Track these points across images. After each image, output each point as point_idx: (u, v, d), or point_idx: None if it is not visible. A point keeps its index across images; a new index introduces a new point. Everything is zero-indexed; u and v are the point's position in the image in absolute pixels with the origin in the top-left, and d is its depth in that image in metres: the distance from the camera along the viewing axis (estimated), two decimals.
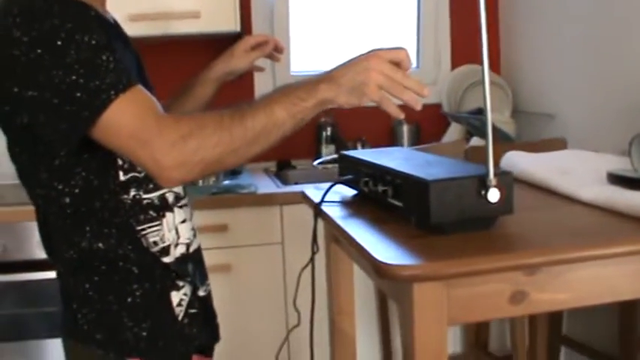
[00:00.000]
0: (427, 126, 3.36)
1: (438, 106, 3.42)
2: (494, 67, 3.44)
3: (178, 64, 3.16)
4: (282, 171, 3.17)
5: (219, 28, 2.90)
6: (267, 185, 2.83)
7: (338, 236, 1.48)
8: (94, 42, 1.22)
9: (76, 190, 1.32)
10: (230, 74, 1.80)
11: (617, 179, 1.52)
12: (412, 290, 1.15)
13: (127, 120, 1.21)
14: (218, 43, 3.03)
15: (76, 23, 1.22)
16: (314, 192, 1.75)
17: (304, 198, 1.77)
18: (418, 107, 1.31)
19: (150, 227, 1.38)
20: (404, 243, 1.26)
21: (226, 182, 2.77)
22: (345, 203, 1.62)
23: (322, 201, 1.60)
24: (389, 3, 3.46)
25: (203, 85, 1.79)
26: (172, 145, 1.20)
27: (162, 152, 1.20)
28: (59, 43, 1.20)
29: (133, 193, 1.36)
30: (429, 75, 3.46)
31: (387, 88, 1.28)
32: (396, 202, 1.40)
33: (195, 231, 1.53)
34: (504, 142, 2.92)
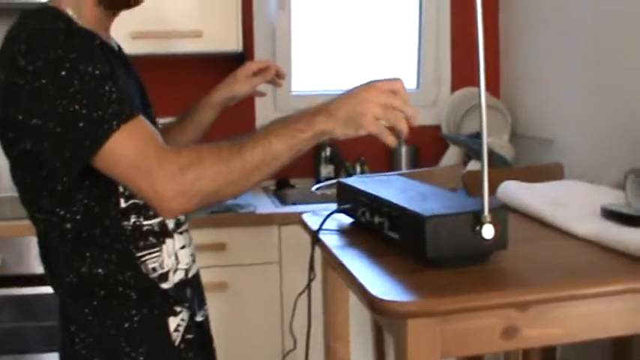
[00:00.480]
0: (426, 147, 3.38)
1: (437, 128, 3.45)
2: (494, 90, 3.46)
3: (180, 81, 3.20)
4: (281, 190, 3.19)
5: (221, 48, 2.93)
6: (265, 205, 2.85)
7: (335, 267, 1.50)
8: (97, 72, 1.25)
9: (78, 217, 1.34)
10: (232, 99, 1.83)
11: (611, 214, 1.55)
12: (406, 325, 1.18)
13: (128, 150, 1.24)
14: (220, 62, 3.07)
15: (80, 54, 1.25)
16: (312, 218, 1.78)
17: (302, 224, 1.79)
18: (405, 134, 1.33)
19: (149, 254, 1.41)
20: (400, 277, 1.28)
21: (227, 202, 2.79)
22: (342, 232, 1.65)
23: (320, 229, 1.62)
24: (390, 23, 3.49)
25: (205, 109, 1.81)
26: (172, 176, 1.23)
27: (161, 183, 1.23)
28: (63, 73, 1.22)
29: (133, 219, 1.38)
30: (428, 96, 3.49)
31: (384, 118, 1.30)
32: (393, 235, 1.42)
33: (194, 256, 1.55)
34: (502, 166, 2.94)
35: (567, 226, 1.56)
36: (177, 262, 1.46)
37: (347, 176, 2.76)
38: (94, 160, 1.25)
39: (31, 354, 2.61)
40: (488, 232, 1.29)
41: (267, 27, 3.32)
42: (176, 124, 1.83)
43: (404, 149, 3.32)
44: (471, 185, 2.63)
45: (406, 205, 1.37)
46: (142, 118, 1.28)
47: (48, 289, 2.22)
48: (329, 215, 1.65)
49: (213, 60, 3.11)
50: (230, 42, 2.90)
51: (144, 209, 1.39)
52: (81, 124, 1.22)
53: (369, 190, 1.56)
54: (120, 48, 1.56)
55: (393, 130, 1.32)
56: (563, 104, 3.00)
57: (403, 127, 1.31)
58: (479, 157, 2.98)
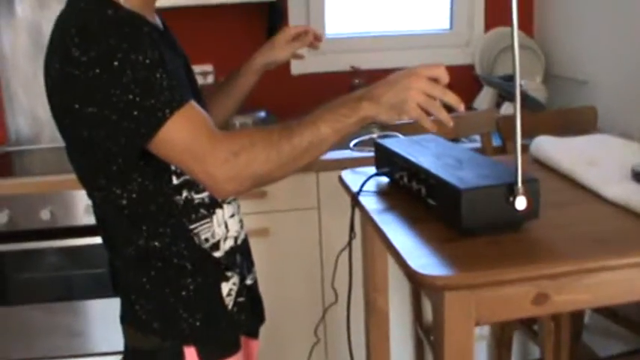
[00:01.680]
0: (460, 87, 3.35)
1: (470, 68, 3.47)
2: (528, 29, 3.46)
3: (214, 28, 3.26)
4: None
5: None
6: None
7: (374, 230, 1.58)
8: (147, 61, 1.31)
9: (133, 195, 1.43)
10: (271, 64, 1.88)
11: None
12: (443, 296, 1.26)
13: (182, 136, 1.31)
14: (254, 9, 3.12)
15: (131, 43, 1.31)
16: (350, 177, 1.86)
17: (341, 182, 1.87)
18: (450, 124, 1.39)
19: (201, 225, 1.50)
20: (436, 247, 1.37)
21: None
22: (380, 193, 1.72)
23: (360, 191, 1.70)
24: None
25: (246, 75, 1.87)
26: (225, 160, 1.31)
27: (215, 167, 1.31)
28: (116, 63, 1.29)
29: (185, 194, 1.47)
30: (461, 36, 3.50)
31: (425, 106, 1.36)
32: (430, 201, 1.50)
33: (242, 222, 1.64)
34: (535, 109, 2.97)
35: (597, 189, 1.62)
36: (227, 231, 1.55)
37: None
38: (149, 146, 1.33)
39: (80, 300, 2.76)
40: (520, 203, 1.36)
41: None
42: (220, 89, 1.90)
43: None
44: (504, 130, 2.69)
45: (443, 176, 1.45)
46: (193, 103, 1.35)
47: (94, 240, 2.34)
48: (368, 179, 1.72)
49: (248, 7, 3.15)
50: None
51: (195, 184, 1.46)
52: (135, 113, 1.29)
53: (406, 155, 1.63)
54: (165, 26, 1.62)
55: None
56: (598, 45, 3.00)
57: (444, 117, 1.37)
58: (512, 100, 3.04)
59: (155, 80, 1.31)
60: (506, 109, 3.08)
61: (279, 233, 2.75)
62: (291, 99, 3.22)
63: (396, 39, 3.46)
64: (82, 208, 2.63)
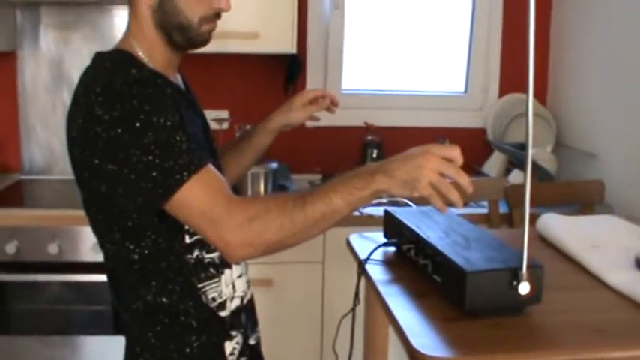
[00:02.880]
0: (471, 150, 3.43)
1: (482, 131, 3.53)
2: (541, 97, 3.51)
3: (232, 76, 3.32)
4: None
5: (276, 49, 3.04)
6: None
7: (379, 300, 1.60)
8: (169, 123, 1.35)
9: (146, 251, 1.46)
10: (287, 126, 1.92)
11: None
12: None
13: (198, 200, 1.34)
14: (272, 59, 3.17)
15: (153, 105, 1.35)
16: (358, 241, 1.89)
17: (349, 247, 1.90)
18: (460, 205, 1.41)
19: (209, 284, 1.53)
20: (439, 327, 1.38)
21: None
22: (387, 263, 1.75)
23: (367, 259, 1.73)
24: (442, 26, 3.54)
25: (262, 134, 1.91)
26: (239, 226, 1.34)
27: (230, 232, 1.34)
28: (138, 124, 1.33)
29: (196, 253, 1.50)
30: (476, 100, 3.56)
31: (437, 185, 1.38)
32: (436, 277, 1.52)
33: (249, 282, 1.67)
34: (544, 179, 3.01)
35: (601, 274, 1.64)
36: (234, 291, 1.58)
37: None
38: (166, 206, 1.36)
39: (80, 335, 2.78)
40: (524, 288, 1.38)
41: (320, 26, 3.40)
42: (235, 147, 1.93)
43: None
44: (512, 198, 2.72)
45: (450, 254, 1.47)
46: (210, 167, 1.38)
47: (99, 277, 2.36)
48: (376, 248, 1.75)
49: (267, 57, 3.21)
50: (285, 44, 2.99)
51: (206, 244, 1.49)
52: (154, 174, 1.33)
53: (415, 228, 1.66)
54: (186, 84, 1.67)
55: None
56: (608, 119, 3.04)
57: (454, 198, 1.38)
58: (522, 168, 3.07)
59: (175, 143, 1.34)
60: (515, 176, 3.11)
61: (282, 284, 2.78)
62: (305, 151, 3.27)
63: (410, 98, 3.52)
64: (89, 244, 2.67)
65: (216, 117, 3.17)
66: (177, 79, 1.62)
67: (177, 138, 1.35)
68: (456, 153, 1.40)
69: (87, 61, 3.16)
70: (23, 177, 3.31)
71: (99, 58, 1.49)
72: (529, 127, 1.36)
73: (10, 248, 2.66)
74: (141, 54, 1.50)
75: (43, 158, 3.34)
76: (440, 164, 1.37)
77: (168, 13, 1.48)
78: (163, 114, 1.35)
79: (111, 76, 1.38)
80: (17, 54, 3.26)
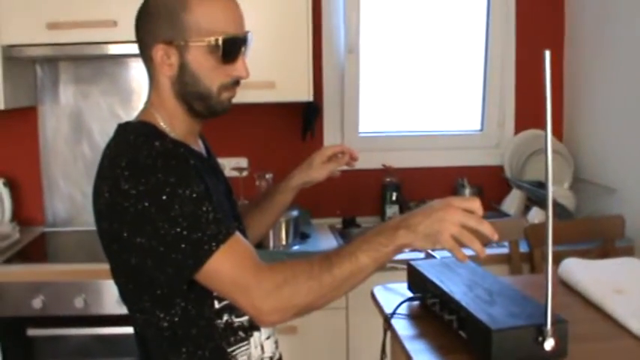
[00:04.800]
0: (489, 188, 3.47)
1: (500, 169, 3.54)
2: (557, 132, 3.52)
3: (248, 124, 3.36)
4: (347, 229, 3.32)
5: (293, 98, 3.07)
6: (331, 245, 2.98)
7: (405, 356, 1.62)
8: (194, 195, 1.38)
9: (175, 318, 1.49)
10: (308, 183, 1.95)
11: None
12: None
13: (228, 269, 1.38)
14: (289, 107, 3.21)
15: (178, 177, 1.38)
16: (383, 294, 1.91)
17: (373, 300, 1.91)
18: (483, 256, 1.43)
19: (239, 348, 1.55)
20: None
21: (295, 247, 2.93)
22: (412, 317, 1.76)
23: (393, 314, 1.75)
24: (456, 65, 3.57)
25: (283, 193, 1.94)
26: (269, 293, 1.37)
27: (260, 299, 1.37)
28: (164, 197, 1.36)
29: (225, 318, 1.53)
30: (492, 138, 3.58)
31: (459, 238, 1.41)
32: (461, 333, 1.54)
33: (277, 343, 1.69)
34: (563, 217, 3.01)
35: (625, 322, 1.65)
36: (263, 352, 1.61)
37: None
38: (196, 277, 1.39)
39: None
40: (549, 344, 1.40)
41: (335, 70, 3.44)
42: (257, 207, 1.95)
43: (467, 190, 3.41)
44: (532, 238, 2.73)
45: (474, 311, 1.49)
46: (238, 235, 1.41)
47: (125, 330, 2.38)
48: (401, 303, 1.77)
49: (285, 104, 3.25)
50: (302, 92, 3.02)
51: (235, 308, 1.51)
52: (183, 245, 1.36)
53: (439, 283, 1.68)
54: (208, 150, 1.70)
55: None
56: (626, 153, 3.05)
57: (477, 248, 1.40)
58: (541, 205, 3.09)
59: (202, 214, 1.37)
60: (534, 214, 3.12)
61: (307, 331, 2.78)
62: (324, 195, 3.28)
63: (427, 139, 3.54)
64: (114, 297, 2.68)
65: (235, 165, 3.21)
66: (200, 145, 1.65)
67: (204, 209, 1.38)
68: (476, 205, 1.42)
69: (106, 114, 3.26)
70: (47, 229, 3.35)
71: (122, 130, 1.52)
72: (549, 179, 1.38)
73: (37, 303, 2.68)
74: (162, 124, 1.53)
75: (65, 210, 3.38)
76: (461, 216, 1.40)
77: (188, 84, 1.52)
78: (188, 185, 1.38)
79: (135, 150, 1.41)
80: (38, 108, 3.32)
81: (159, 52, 1.50)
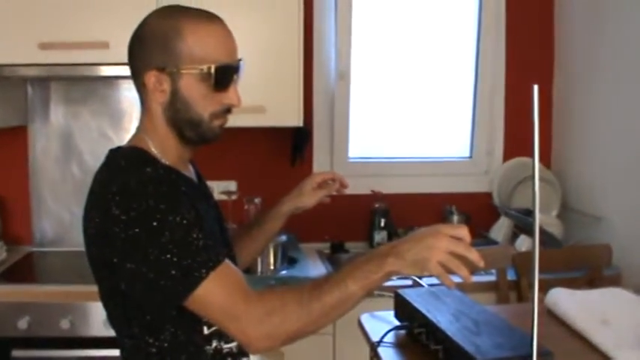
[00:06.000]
0: (477, 215, 3.47)
1: (488, 196, 3.55)
2: (545, 160, 3.54)
3: (237, 148, 3.37)
4: (336, 255, 3.32)
5: (283, 123, 3.08)
6: (319, 271, 2.99)
7: None
8: (185, 221, 1.38)
9: (165, 344, 1.49)
10: (298, 209, 1.95)
11: None
12: None
13: (217, 296, 1.38)
14: (279, 131, 3.22)
15: (168, 203, 1.39)
16: (370, 323, 1.91)
17: (360, 328, 1.92)
18: (469, 281, 1.44)
19: None
20: None
21: (283, 272, 2.93)
22: (398, 346, 1.77)
23: (380, 342, 1.75)
24: (445, 93, 3.59)
25: (274, 219, 1.94)
26: (259, 320, 1.37)
27: (250, 326, 1.37)
28: (155, 223, 1.36)
29: (215, 344, 1.53)
30: (480, 165, 3.60)
31: (446, 264, 1.41)
32: None
33: None
34: (551, 245, 3.03)
35: (611, 354, 1.66)
36: None
37: None
38: (185, 303, 1.39)
39: None
40: None
41: (325, 96, 3.45)
42: (247, 233, 1.95)
43: (456, 217, 3.42)
44: (520, 266, 2.74)
45: (461, 342, 1.49)
46: (228, 263, 1.42)
47: (111, 352, 2.36)
48: (388, 332, 1.77)
49: (273, 129, 3.26)
50: (292, 117, 3.03)
51: (224, 334, 1.51)
52: (172, 272, 1.36)
53: (426, 312, 1.69)
54: (199, 175, 1.71)
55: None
56: (614, 182, 3.07)
57: (464, 275, 1.40)
58: (529, 233, 3.10)
59: (192, 240, 1.38)
60: (522, 242, 3.14)
61: (293, 357, 2.77)
62: (313, 220, 3.26)
63: (416, 165, 3.56)
64: (101, 319, 2.67)
65: (224, 189, 3.21)
66: (190, 170, 1.66)
67: (194, 235, 1.38)
68: (464, 232, 1.44)
69: (96, 135, 3.25)
70: (34, 249, 3.33)
71: (113, 155, 1.53)
72: (536, 217, 1.39)
73: (22, 324, 2.67)
74: (154, 149, 1.54)
75: (53, 230, 3.36)
76: (449, 243, 1.41)
77: (180, 110, 1.52)
78: (179, 212, 1.38)
79: (126, 176, 1.42)
80: (28, 128, 3.31)
81: (151, 78, 1.50)
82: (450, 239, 1.42)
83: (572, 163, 3.43)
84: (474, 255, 1.42)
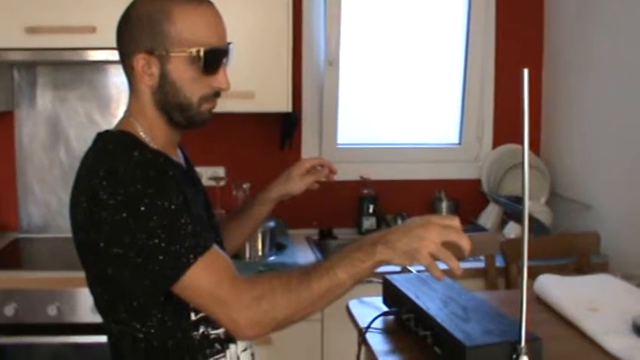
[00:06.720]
0: (467, 202, 3.48)
1: (477, 182, 3.55)
2: (534, 147, 3.54)
3: (227, 133, 3.36)
4: (324, 241, 3.32)
5: (272, 109, 3.08)
6: (307, 257, 3.00)
7: None
8: (173, 206, 1.37)
9: (152, 330, 1.47)
10: (286, 196, 1.94)
11: None
12: None
13: (205, 282, 1.37)
14: (268, 117, 3.20)
15: (156, 188, 1.37)
16: (358, 309, 1.90)
17: (348, 313, 1.91)
18: (459, 273, 1.43)
19: None
20: None
21: (272, 258, 2.93)
22: (387, 332, 1.76)
23: (368, 328, 1.74)
24: (434, 78, 3.58)
25: (261, 204, 1.93)
26: (247, 306, 1.36)
27: (238, 312, 1.36)
28: (142, 208, 1.35)
29: (202, 329, 1.52)
30: (470, 151, 3.59)
31: (436, 255, 1.41)
32: (436, 349, 1.54)
33: (254, 355, 1.68)
34: (540, 232, 3.03)
35: (599, 339, 1.65)
36: None
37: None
38: (173, 288, 1.38)
39: None
40: None
41: (315, 82, 3.44)
42: (234, 219, 1.95)
43: (445, 204, 3.42)
44: (508, 252, 2.74)
45: (449, 328, 1.49)
46: (216, 248, 1.41)
47: (99, 338, 2.36)
48: (376, 317, 1.76)
49: (262, 114, 3.25)
50: (281, 103, 3.02)
51: (212, 320, 1.50)
52: (160, 257, 1.35)
53: (415, 299, 1.68)
54: (187, 160, 1.69)
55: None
56: (602, 169, 3.08)
57: (454, 266, 1.41)
58: (517, 220, 3.10)
59: (180, 226, 1.37)
60: (511, 228, 3.14)
61: (281, 344, 2.77)
62: (301, 206, 3.25)
63: (405, 151, 3.55)
64: (88, 305, 2.66)
65: (213, 175, 3.20)
66: (179, 155, 1.64)
67: (182, 221, 1.37)
68: (455, 222, 1.44)
69: (83, 120, 3.23)
70: (21, 235, 3.32)
71: (101, 139, 1.51)
72: (525, 203, 1.39)
73: (9, 310, 2.65)
74: (142, 133, 1.52)
75: (41, 216, 3.34)
76: (440, 234, 1.41)
77: (168, 94, 1.51)
78: (167, 197, 1.37)
79: (114, 160, 1.41)
80: (14, 113, 3.28)
81: (140, 61, 1.49)
82: (440, 230, 1.41)
83: (562, 151, 3.43)
84: (465, 241, 1.41)
